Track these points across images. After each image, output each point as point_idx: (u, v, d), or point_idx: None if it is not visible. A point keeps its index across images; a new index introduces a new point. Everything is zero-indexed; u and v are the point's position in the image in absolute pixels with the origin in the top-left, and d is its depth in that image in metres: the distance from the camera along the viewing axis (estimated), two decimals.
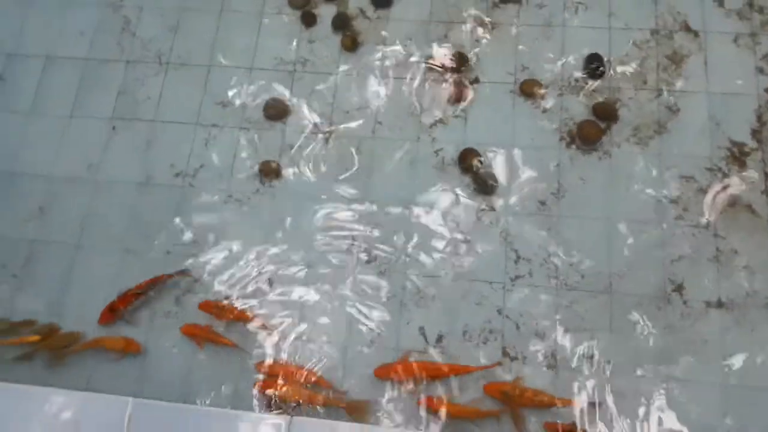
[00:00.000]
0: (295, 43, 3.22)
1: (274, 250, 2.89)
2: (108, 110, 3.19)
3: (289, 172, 3.02)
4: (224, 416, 1.83)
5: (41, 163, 3.13)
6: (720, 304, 2.67)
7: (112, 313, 2.77)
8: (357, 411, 2.58)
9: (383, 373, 2.64)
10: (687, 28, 3.07)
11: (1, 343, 2.77)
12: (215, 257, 2.89)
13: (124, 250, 2.93)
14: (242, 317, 2.76)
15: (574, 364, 2.60)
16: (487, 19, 3.17)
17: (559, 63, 3.07)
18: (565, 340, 2.65)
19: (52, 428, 1.81)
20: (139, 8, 3.37)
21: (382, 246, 2.86)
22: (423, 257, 2.83)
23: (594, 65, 3.01)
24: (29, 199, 3.07)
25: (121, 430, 1.74)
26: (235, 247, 2.90)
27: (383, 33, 3.20)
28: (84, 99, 3.23)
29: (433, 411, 2.55)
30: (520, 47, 3.11)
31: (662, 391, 2.55)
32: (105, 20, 3.37)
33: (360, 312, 2.77)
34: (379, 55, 3.16)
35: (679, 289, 2.70)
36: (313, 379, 2.63)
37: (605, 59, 3.03)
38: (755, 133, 2.89)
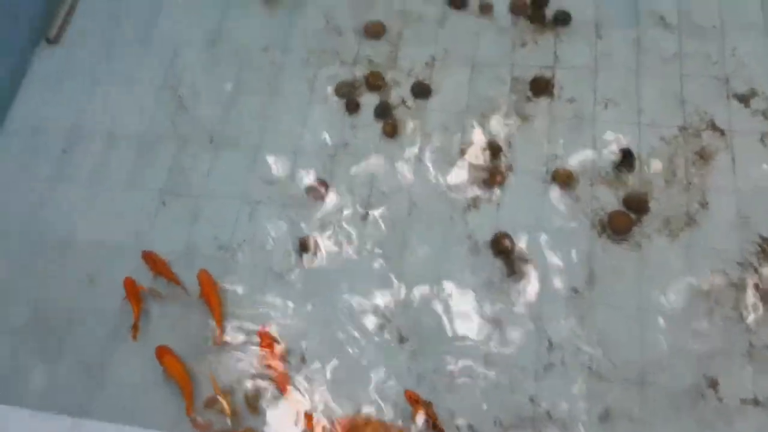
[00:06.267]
0: (338, 128, 3.42)
1: (308, 325, 2.97)
2: (159, 183, 3.39)
3: (326, 249, 3.13)
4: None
5: (93, 232, 3.31)
6: (756, 402, 2.64)
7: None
8: None
9: None
10: (713, 127, 3.19)
11: None
12: (253, 328, 2.98)
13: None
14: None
15: None
16: (520, 112, 3.34)
17: (591, 154, 3.19)
18: (597, 430, 2.64)
19: None
20: (194, 89, 3.63)
21: (414, 327, 2.91)
22: (455, 341, 2.87)
23: (624, 158, 3.13)
24: (80, 268, 3.22)
25: None
26: (272, 319, 2.99)
27: (422, 121, 3.38)
28: (138, 172, 3.44)
29: None
30: (552, 138, 3.26)
31: None
32: (162, 99, 3.63)
33: (389, 392, 2.79)
34: (417, 141, 3.33)
35: (713, 384, 2.69)
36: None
37: (635, 153, 3.14)
38: None
